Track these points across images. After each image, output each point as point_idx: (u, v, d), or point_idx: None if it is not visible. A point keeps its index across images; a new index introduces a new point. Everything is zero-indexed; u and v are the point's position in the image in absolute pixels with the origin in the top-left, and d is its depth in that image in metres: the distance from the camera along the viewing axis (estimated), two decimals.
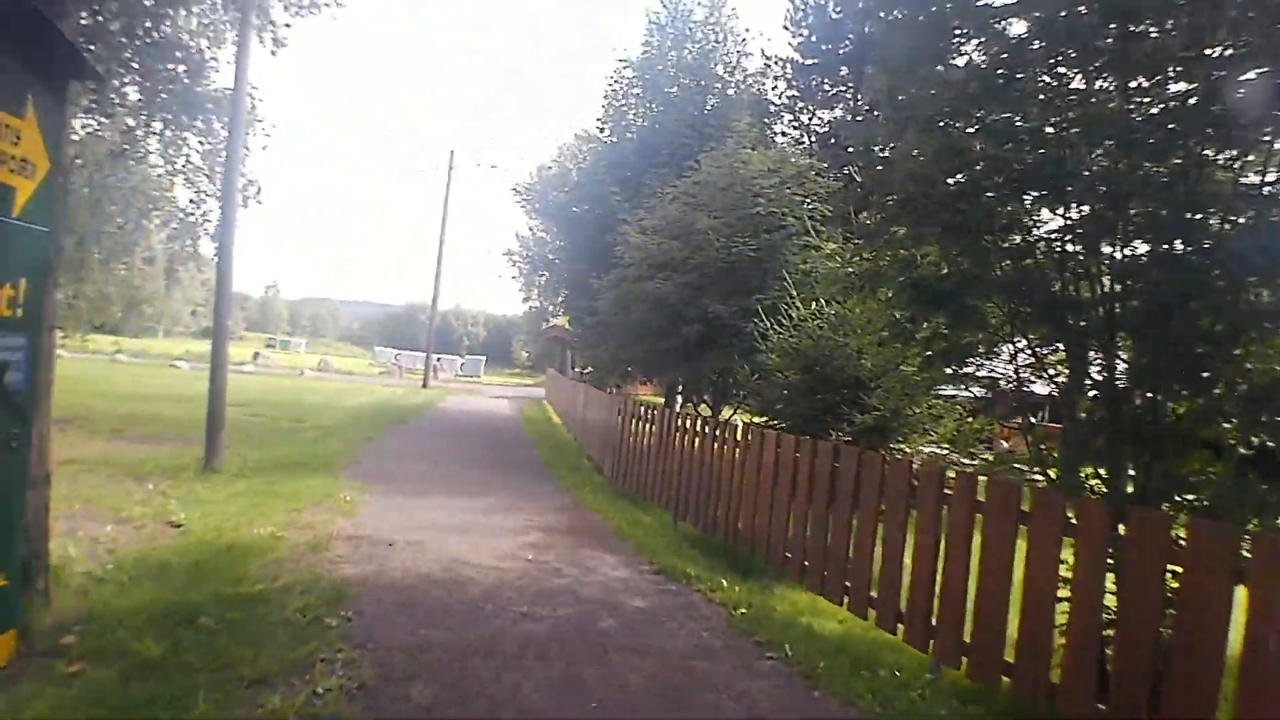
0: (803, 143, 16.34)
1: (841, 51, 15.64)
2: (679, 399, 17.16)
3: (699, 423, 9.29)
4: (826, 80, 15.87)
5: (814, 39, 16.43)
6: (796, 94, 16.57)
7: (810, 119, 16.24)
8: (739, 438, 8.08)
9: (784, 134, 15.14)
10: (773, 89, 16.87)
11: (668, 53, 15.79)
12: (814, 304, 9.29)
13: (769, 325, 9.62)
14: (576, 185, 16.25)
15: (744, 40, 16.60)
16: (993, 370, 5.49)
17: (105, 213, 12.80)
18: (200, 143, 14.69)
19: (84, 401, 16.65)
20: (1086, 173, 4.33)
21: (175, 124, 13.86)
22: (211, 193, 15.29)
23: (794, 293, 9.53)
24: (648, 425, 10.61)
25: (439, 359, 54.02)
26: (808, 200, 12.02)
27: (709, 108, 15.25)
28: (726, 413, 13.70)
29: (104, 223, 12.80)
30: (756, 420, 9.96)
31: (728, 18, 16.38)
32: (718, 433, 8.56)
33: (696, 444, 9.03)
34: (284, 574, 5.86)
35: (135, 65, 13.20)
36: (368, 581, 5.90)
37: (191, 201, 14.67)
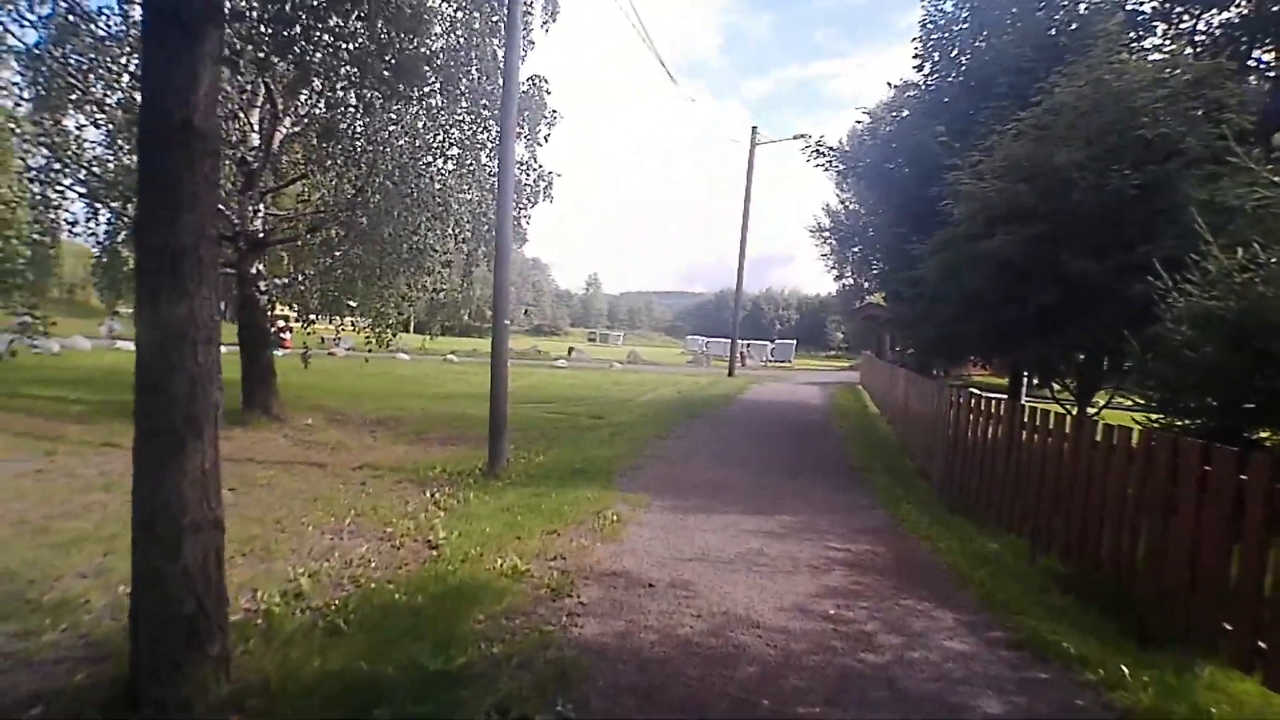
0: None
1: None
2: (1025, 384, 14.02)
3: (1066, 421, 6.70)
4: None
5: None
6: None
7: (1194, 24, 12.18)
8: (1137, 444, 5.50)
9: (1159, 49, 11.40)
10: None
11: None
12: (1242, 250, 6.24)
13: (1170, 283, 6.66)
14: (889, 137, 13.71)
15: None
16: None
17: (402, 219, 12.78)
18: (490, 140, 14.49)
19: (402, 403, 17.49)
20: None
21: (472, 122, 13.75)
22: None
23: (1209, 237, 6.49)
24: (990, 422, 8.11)
25: (747, 345, 53.16)
26: (1214, 115, 8.62)
27: (1057, 21, 11.98)
28: (1101, 400, 10.53)
29: (403, 228, 12.81)
30: (1150, 417, 7.05)
31: None
32: (1100, 437, 5.96)
33: (1065, 449, 6.49)
34: (505, 635, 4.51)
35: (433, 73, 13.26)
36: (607, 652, 4.37)
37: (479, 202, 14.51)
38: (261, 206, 12.96)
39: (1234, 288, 5.96)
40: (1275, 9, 10.39)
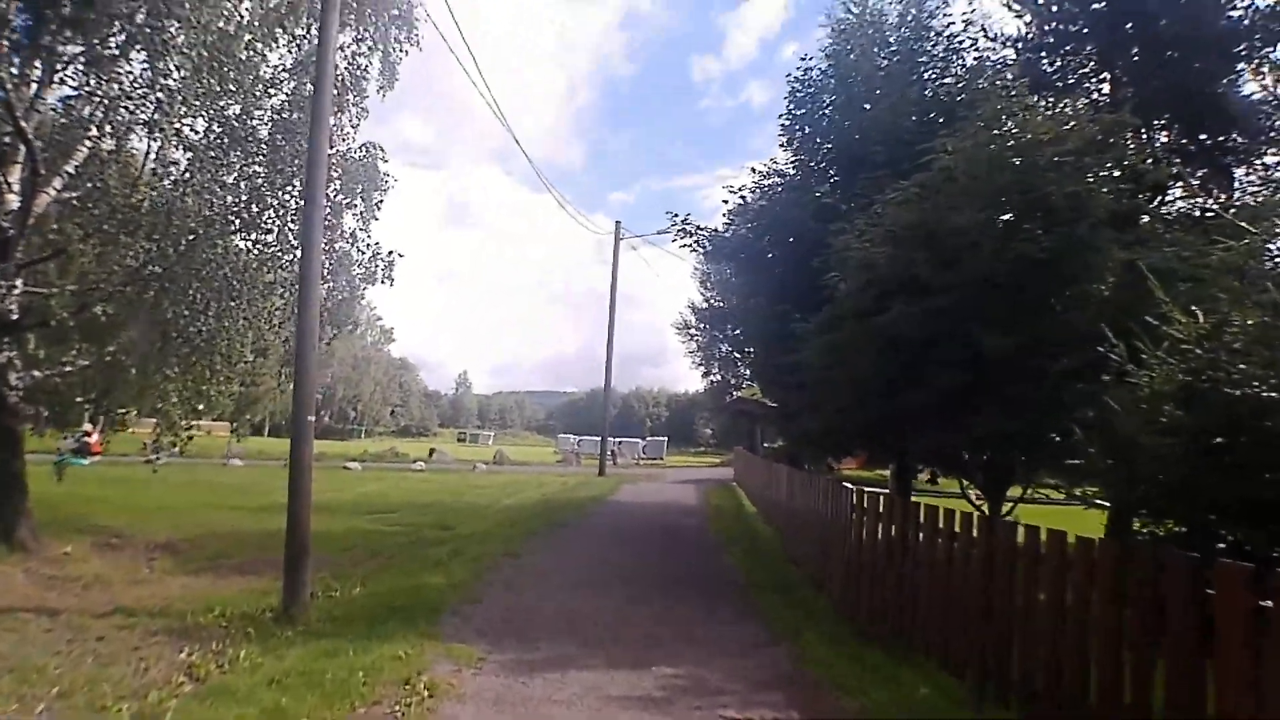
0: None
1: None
2: (916, 477, 12.89)
3: (1015, 530, 5.29)
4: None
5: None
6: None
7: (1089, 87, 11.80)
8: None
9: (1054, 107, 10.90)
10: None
11: (865, 45, 12.14)
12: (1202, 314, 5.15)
13: (1116, 356, 5.46)
14: (760, 214, 12.62)
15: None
16: None
17: (194, 298, 10.53)
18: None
19: (210, 519, 14.70)
20: None
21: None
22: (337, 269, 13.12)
23: (1163, 296, 5.36)
24: (908, 529, 6.64)
25: (618, 443, 51.58)
26: (1124, 171, 7.86)
27: (937, 88, 11.39)
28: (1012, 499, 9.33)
29: (194, 308, 10.54)
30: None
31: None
32: (1074, 551, 4.55)
33: (1020, 566, 5.07)
34: None
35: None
36: None
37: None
38: (18, 282, 10.43)
39: (1214, 359, 4.75)
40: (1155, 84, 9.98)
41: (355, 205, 12.93)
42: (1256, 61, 10.89)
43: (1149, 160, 8.04)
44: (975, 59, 11.86)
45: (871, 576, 7.24)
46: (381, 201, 12.95)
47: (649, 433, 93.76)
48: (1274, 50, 10.83)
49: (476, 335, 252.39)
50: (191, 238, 10.51)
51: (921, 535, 6.33)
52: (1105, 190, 7.65)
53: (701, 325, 64.33)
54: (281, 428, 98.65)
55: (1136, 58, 10.69)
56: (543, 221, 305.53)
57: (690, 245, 13.97)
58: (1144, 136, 8.51)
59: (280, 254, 11.63)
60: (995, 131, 7.99)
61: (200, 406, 11.34)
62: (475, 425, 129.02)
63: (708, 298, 63.89)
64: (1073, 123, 7.69)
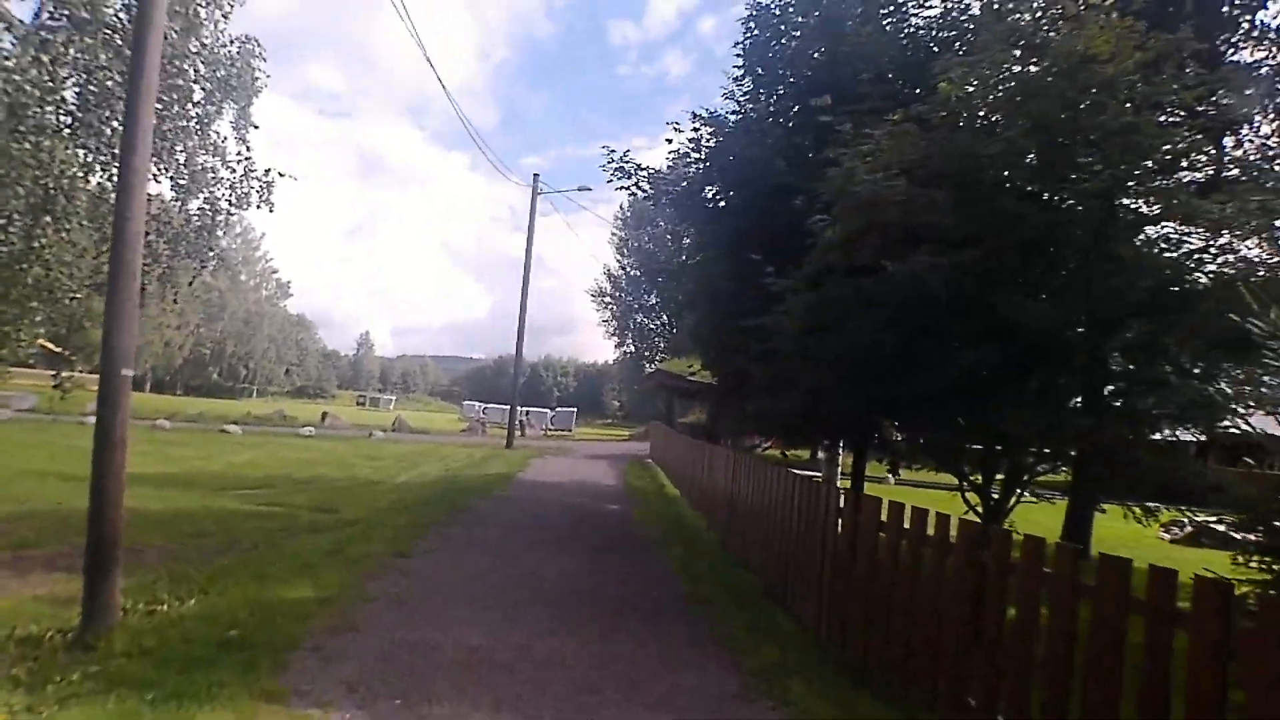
0: None
1: None
2: (865, 463, 11.36)
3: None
4: None
5: None
6: None
7: None
8: None
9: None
10: None
11: None
12: None
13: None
14: (713, 157, 10.66)
15: None
16: None
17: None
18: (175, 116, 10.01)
19: (33, 492, 12.07)
20: None
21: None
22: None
23: None
24: (930, 551, 4.99)
25: (526, 413, 49.34)
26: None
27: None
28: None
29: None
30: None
31: None
32: None
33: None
34: None
35: None
36: None
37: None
38: None
39: None
40: None
41: (224, 111, 10.45)
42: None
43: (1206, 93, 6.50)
44: None
45: (875, 604, 5.58)
46: (251, 104, 10.50)
47: (557, 403, 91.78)
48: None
49: (381, 295, 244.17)
50: None
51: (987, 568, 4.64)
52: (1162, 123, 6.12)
53: (617, 294, 63.04)
54: (164, 383, 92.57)
55: None
56: (455, 182, 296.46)
57: (628, 188, 11.93)
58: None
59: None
60: (1038, 42, 6.32)
61: (2, 350, 8.78)
62: (376, 388, 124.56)
63: (624, 265, 62.73)
64: (1134, 38, 6.07)
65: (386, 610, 6.36)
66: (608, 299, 62.98)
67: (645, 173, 11.63)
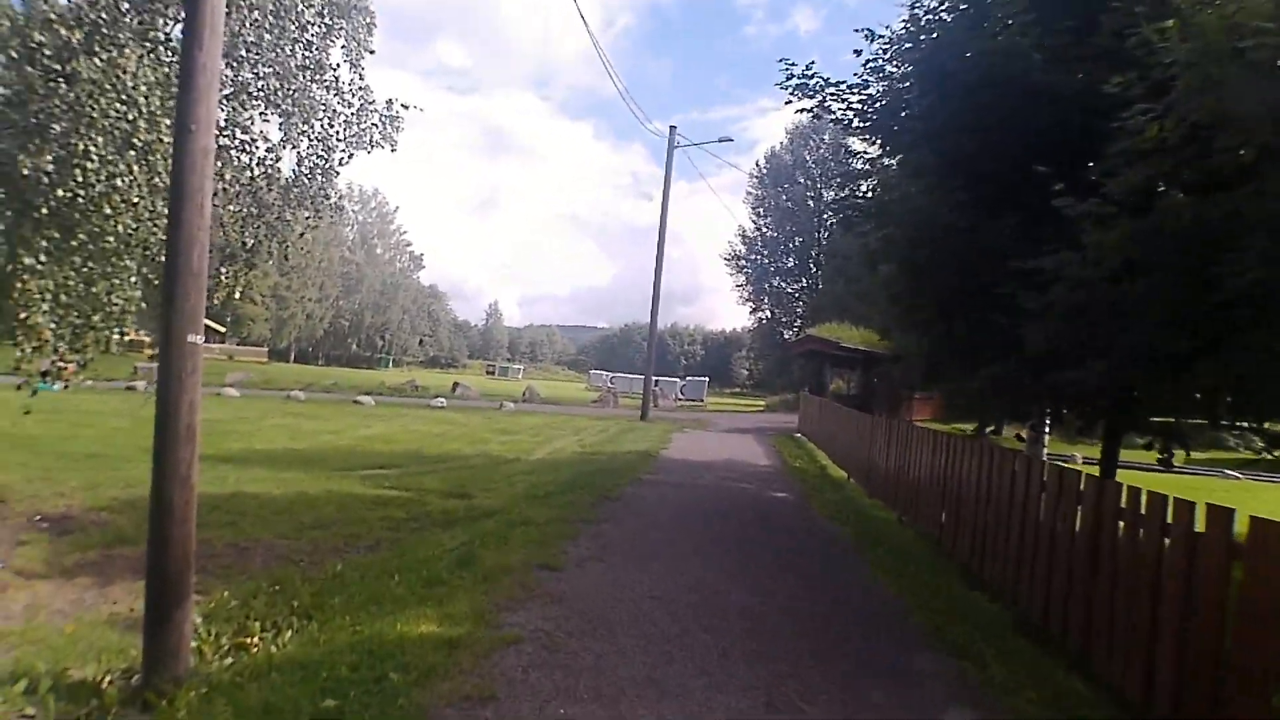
0: None
1: None
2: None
3: None
4: None
5: None
6: None
7: None
8: None
9: None
10: None
11: None
12: None
13: None
14: (930, 59, 8.15)
15: None
16: None
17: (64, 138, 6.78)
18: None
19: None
20: None
21: None
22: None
23: None
24: None
25: (657, 382, 47.79)
26: None
27: None
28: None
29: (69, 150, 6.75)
30: None
31: None
32: None
33: None
34: None
35: None
36: None
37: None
38: None
39: None
40: None
41: (334, 35, 8.90)
42: None
43: None
44: None
45: None
46: (366, 28, 8.89)
47: (685, 371, 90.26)
48: None
49: (508, 266, 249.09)
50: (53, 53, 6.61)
51: None
52: None
53: (752, 257, 60.35)
54: (307, 353, 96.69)
55: None
56: (578, 151, 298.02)
57: (813, 109, 9.65)
58: None
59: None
60: None
61: (94, 317, 7.53)
62: (505, 358, 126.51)
63: (760, 225, 59.90)
64: None
65: (535, 664, 4.55)
66: (742, 262, 60.40)
67: (840, 89, 9.28)
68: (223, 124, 8.03)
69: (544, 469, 14.04)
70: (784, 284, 59.86)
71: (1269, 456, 8.03)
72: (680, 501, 10.97)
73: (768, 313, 61.20)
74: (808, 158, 58.36)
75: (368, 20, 9.33)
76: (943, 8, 8.42)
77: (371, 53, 9.49)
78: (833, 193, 57.25)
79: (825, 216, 57.83)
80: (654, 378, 33.80)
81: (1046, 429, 14.03)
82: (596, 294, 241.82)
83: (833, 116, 9.62)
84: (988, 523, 7.15)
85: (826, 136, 57.69)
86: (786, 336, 55.73)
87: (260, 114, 8.71)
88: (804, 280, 58.51)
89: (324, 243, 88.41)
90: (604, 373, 69.81)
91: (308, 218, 9.24)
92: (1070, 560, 5.37)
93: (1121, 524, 4.79)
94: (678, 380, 58.96)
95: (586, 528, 8.43)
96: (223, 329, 73.63)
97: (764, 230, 59.50)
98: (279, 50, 8.11)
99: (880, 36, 9.22)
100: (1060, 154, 6.26)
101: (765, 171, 59.18)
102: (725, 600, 6.15)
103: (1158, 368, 5.28)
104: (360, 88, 9.13)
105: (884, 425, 12.57)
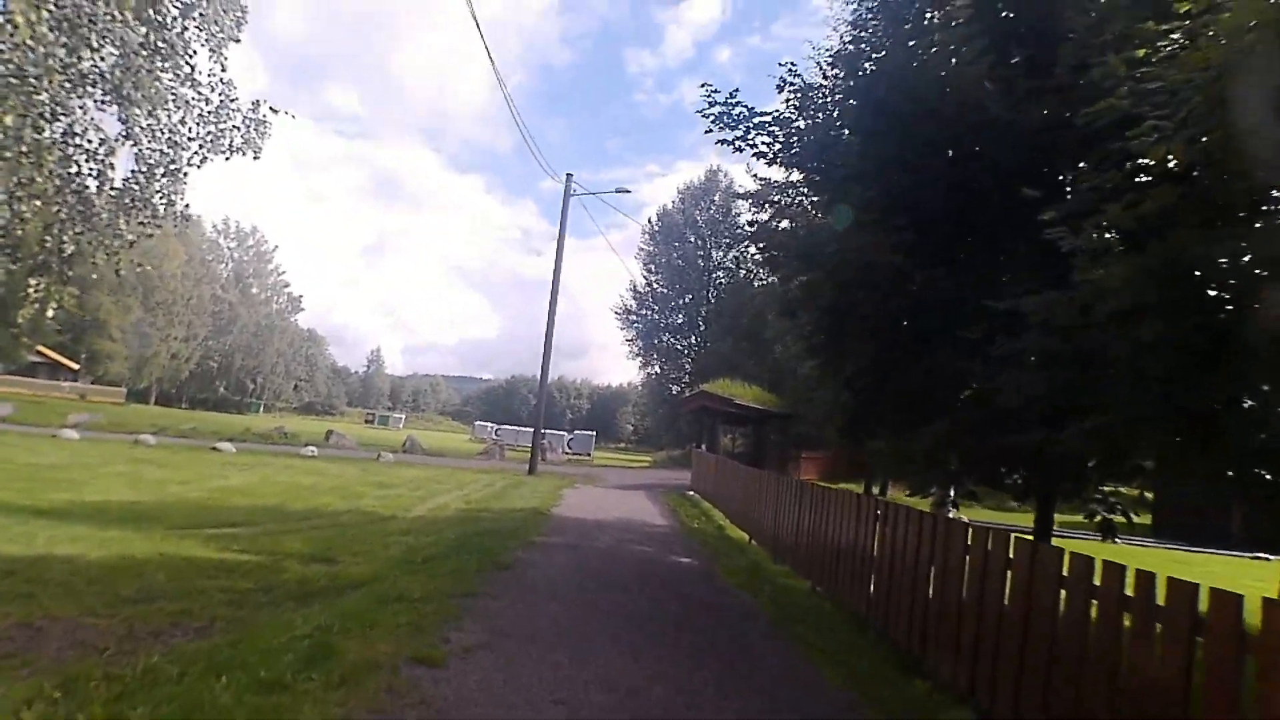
0: None
1: None
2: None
3: None
4: None
5: None
6: None
7: None
8: None
9: None
10: None
11: None
12: None
13: None
14: (868, 89, 7.55)
15: None
16: None
17: None
18: None
19: None
20: None
21: None
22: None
23: None
24: None
25: (545, 437, 46.39)
26: None
27: None
28: None
29: None
30: None
31: None
32: None
33: None
34: None
35: None
36: None
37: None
38: None
39: None
40: None
41: (200, 24, 7.60)
42: None
43: None
44: None
45: None
46: (241, 23, 7.63)
47: (571, 425, 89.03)
48: None
49: (393, 314, 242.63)
50: None
51: None
52: None
53: (643, 312, 60.16)
54: (170, 395, 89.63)
55: None
56: (468, 204, 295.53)
57: (735, 141, 8.94)
58: None
59: None
60: None
61: None
62: (386, 407, 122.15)
63: (650, 281, 59.98)
64: None
65: None
66: (633, 317, 60.19)
67: (766, 119, 8.59)
68: (46, 110, 6.59)
69: (424, 528, 12.57)
70: (673, 340, 60.00)
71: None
72: (579, 568, 9.80)
73: (657, 368, 61.05)
74: (698, 217, 59.23)
75: (236, 8, 8.08)
76: (882, 38, 7.92)
77: (237, 41, 8.22)
78: (721, 253, 58.25)
79: (714, 275, 58.55)
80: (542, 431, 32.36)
81: (955, 494, 13.65)
82: (483, 345, 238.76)
83: (755, 150, 8.95)
84: (931, 602, 6.38)
85: (717, 197, 58.80)
86: (674, 392, 55.57)
87: (97, 101, 7.29)
88: (693, 337, 58.82)
89: (195, 279, 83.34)
90: (489, 424, 67.69)
91: (142, 223, 7.72)
92: (1051, 657, 4.59)
93: (1127, 616, 4.04)
94: (565, 434, 57.65)
95: (473, 604, 7.17)
96: (75, 365, 67.53)
97: (655, 286, 59.72)
98: (121, 24, 6.75)
99: (792, 84, 8.70)
100: (1021, 188, 5.67)
101: (657, 229, 59.64)
102: (645, 701, 5.06)
103: (1176, 426, 4.63)
104: (221, 81, 7.83)
105: (792, 486, 11.82)
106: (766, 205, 11.92)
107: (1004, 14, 6.80)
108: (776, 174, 11.41)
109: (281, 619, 6.60)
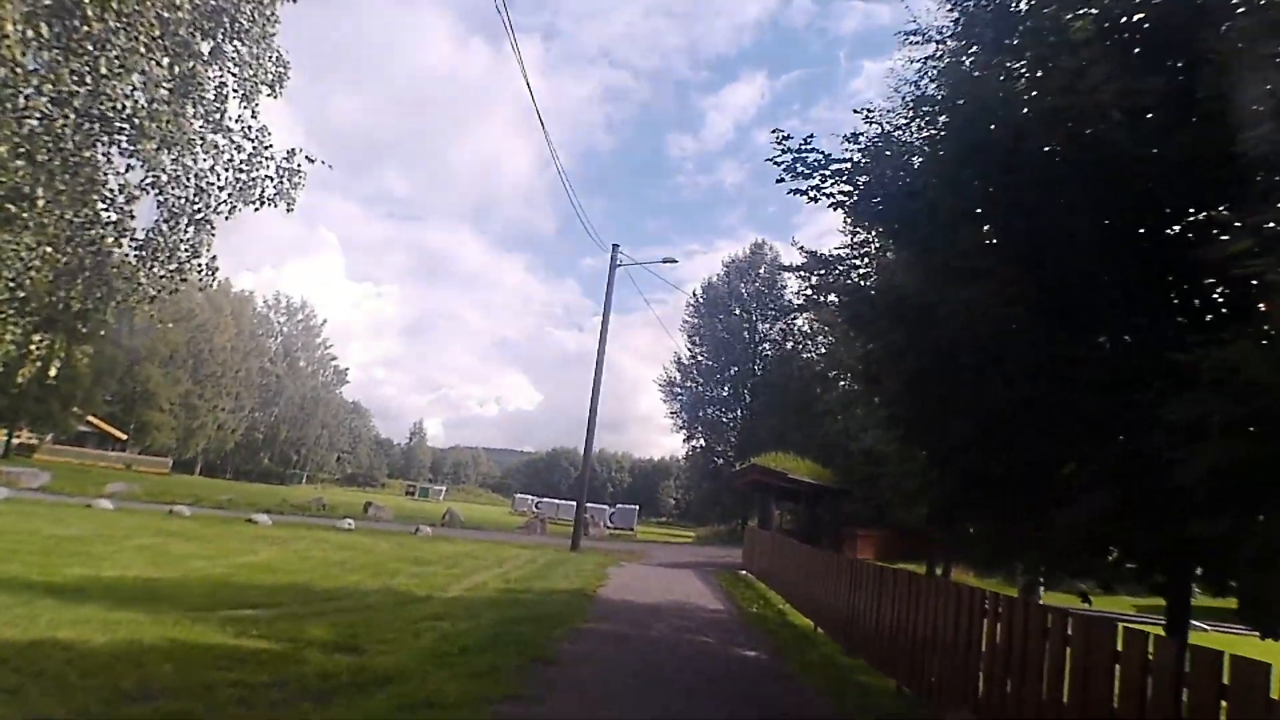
0: None
1: None
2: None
3: None
4: None
5: None
6: None
7: None
8: None
9: None
10: None
11: None
12: None
13: None
14: (971, 122, 6.67)
15: None
16: None
17: None
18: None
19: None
20: None
21: None
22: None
23: None
24: None
25: (587, 511, 45.19)
26: None
27: None
28: None
29: None
30: None
31: None
32: None
33: None
34: None
35: None
36: None
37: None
38: None
39: None
40: None
41: (223, 52, 7.05)
42: None
43: None
44: None
45: None
46: (266, 47, 7.07)
47: (611, 499, 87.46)
48: None
49: (436, 389, 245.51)
50: None
51: None
52: None
53: (687, 384, 59.24)
54: (215, 466, 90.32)
55: None
56: (511, 282, 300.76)
57: (809, 191, 8.09)
58: None
59: None
60: None
61: None
62: (427, 478, 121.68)
63: (695, 353, 59.19)
64: None
65: None
66: (677, 389, 59.31)
67: (845, 160, 7.76)
68: (55, 145, 5.99)
69: (460, 612, 11.52)
70: (718, 413, 58.82)
71: None
72: (633, 663, 8.66)
73: (701, 441, 59.73)
74: (744, 290, 58.68)
75: (273, 55, 7.55)
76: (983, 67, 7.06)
77: (276, 96, 7.67)
78: (767, 325, 57.38)
79: (760, 347, 57.62)
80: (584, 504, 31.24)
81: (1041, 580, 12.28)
82: (523, 418, 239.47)
83: (831, 200, 8.08)
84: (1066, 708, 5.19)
85: (763, 270, 58.30)
86: (718, 465, 54.13)
87: (119, 146, 6.71)
88: (738, 410, 57.58)
89: (244, 352, 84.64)
90: (530, 497, 66.59)
91: (164, 277, 7.06)
92: None
93: None
94: (606, 508, 56.23)
95: (514, 712, 6.12)
96: (124, 436, 68.30)
97: (699, 359, 58.93)
98: (146, 56, 6.19)
99: (870, 126, 7.91)
100: (1169, 224, 4.71)
101: (702, 301, 59.16)
102: None
103: None
104: (254, 129, 7.25)
105: (871, 573, 10.58)
106: (843, 264, 11.06)
107: (1130, 35, 5.94)
108: (835, 220, 10.55)
109: None
